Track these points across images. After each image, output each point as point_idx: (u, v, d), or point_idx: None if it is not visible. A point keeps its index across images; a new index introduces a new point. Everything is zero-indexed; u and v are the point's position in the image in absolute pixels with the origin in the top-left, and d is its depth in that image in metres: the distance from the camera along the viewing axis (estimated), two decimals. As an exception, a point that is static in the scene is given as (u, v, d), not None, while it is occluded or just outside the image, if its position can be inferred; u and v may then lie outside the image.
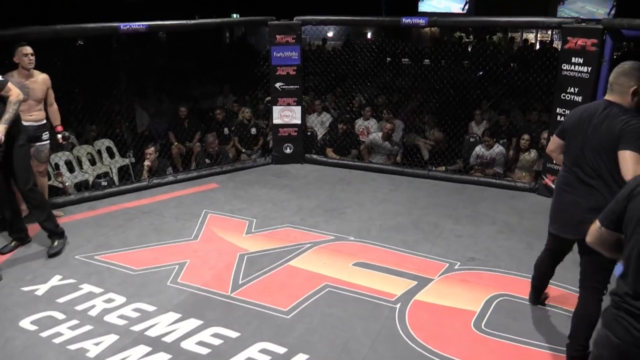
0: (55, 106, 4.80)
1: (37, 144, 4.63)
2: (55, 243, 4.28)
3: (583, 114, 2.83)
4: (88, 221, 4.92)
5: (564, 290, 3.67)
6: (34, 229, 4.64)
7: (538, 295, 3.48)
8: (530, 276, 3.50)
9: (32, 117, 4.55)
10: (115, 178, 6.62)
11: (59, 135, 4.82)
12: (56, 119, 4.82)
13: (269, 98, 6.74)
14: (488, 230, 4.68)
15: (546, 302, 3.51)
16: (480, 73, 8.85)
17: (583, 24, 5.03)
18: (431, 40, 14.60)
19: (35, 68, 4.58)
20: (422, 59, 9.50)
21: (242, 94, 8.66)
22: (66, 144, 5.04)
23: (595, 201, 2.70)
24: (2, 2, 9.04)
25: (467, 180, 5.88)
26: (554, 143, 3.07)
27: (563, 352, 3.00)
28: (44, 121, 4.69)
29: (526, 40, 15.03)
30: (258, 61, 7.03)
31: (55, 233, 4.32)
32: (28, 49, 4.48)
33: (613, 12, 11.95)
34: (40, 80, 4.59)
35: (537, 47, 14.49)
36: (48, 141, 4.76)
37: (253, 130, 7.17)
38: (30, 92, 4.49)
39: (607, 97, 2.76)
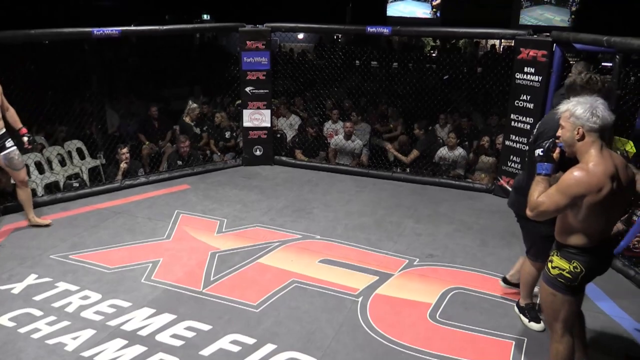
0: (12, 109, 4.66)
1: (2, 153, 4.55)
2: None
3: None
4: (62, 221, 5.03)
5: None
6: (8, 229, 4.76)
7: None
8: (484, 271, 3.89)
9: None
10: (86, 179, 6.70)
11: (25, 139, 4.70)
12: (16, 121, 4.68)
13: (239, 101, 6.93)
14: (446, 229, 4.98)
15: (495, 293, 3.82)
16: (446, 77, 9.22)
17: (535, 36, 5.38)
18: (399, 45, 14.97)
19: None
20: (390, 63, 9.83)
21: (213, 96, 8.84)
22: (32, 147, 4.82)
23: None
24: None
25: (428, 182, 6.18)
26: None
27: (507, 337, 3.36)
28: (3, 130, 4.57)
29: (493, 45, 15.52)
30: (229, 65, 7.22)
31: None
32: None
33: (570, 20, 12.49)
34: None
35: (502, 52, 15.00)
36: (14, 147, 4.63)
37: (227, 134, 7.36)
38: None
39: None
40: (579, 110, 2.41)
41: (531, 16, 12.82)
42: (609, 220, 2.52)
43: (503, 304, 3.73)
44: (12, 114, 4.69)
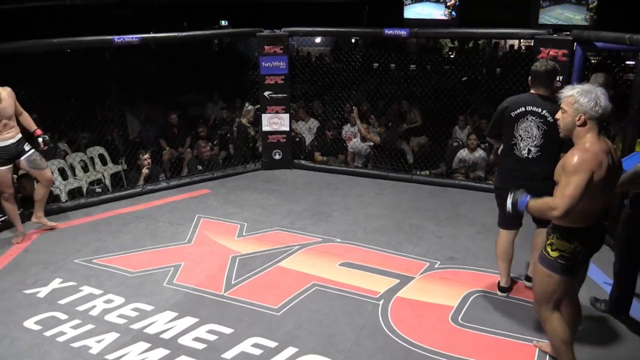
0: (25, 113, 4.74)
1: (23, 157, 4.64)
2: None
3: None
4: (85, 227, 5.11)
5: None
6: (33, 234, 4.85)
7: None
8: None
9: (9, 135, 4.54)
10: (109, 184, 6.81)
11: (40, 140, 4.74)
12: (31, 125, 4.77)
13: (258, 106, 6.97)
14: (467, 231, 4.94)
15: (517, 296, 3.77)
16: (464, 79, 9.15)
17: (554, 35, 5.31)
18: (417, 46, 14.90)
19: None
20: (408, 65, 9.79)
21: (231, 101, 8.90)
22: (48, 148, 4.92)
23: None
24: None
25: (448, 184, 6.14)
26: None
27: (530, 340, 3.30)
28: (20, 135, 4.66)
29: (512, 46, 15.37)
30: (247, 70, 7.27)
31: None
32: None
33: (588, 17, 12.29)
34: (6, 95, 4.50)
35: (523, 52, 14.84)
36: (32, 149, 4.73)
37: (251, 131, 7.38)
38: (0, 111, 4.45)
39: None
40: (583, 99, 2.53)
41: (551, 15, 12.62)
42: (605, 199, 2.61)
43: (526, 306, 3.67)
44: (25, 118, 4.77)
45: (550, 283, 2.70)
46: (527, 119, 3.42)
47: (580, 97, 2.53)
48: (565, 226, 2.62)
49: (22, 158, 4.67)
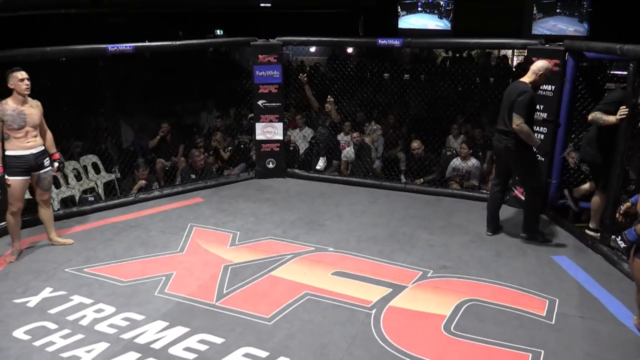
0: (49, 134, 4.68)
1: (40, 172, 4.53)
2: None
3: None
4: (77, 235, 5.07)
5: (526, 294, 3.93)
6: (24, 243, 4.81)
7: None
8: (498, 282, 4.02)
9: (31, 144, 4.43)
10: (102, 193, 6.77)
11: (55, 164, 4.68)
12: (52, 146, 4.70)
13: (252, 115, 6.98)
14: (460, 240, 4.94)
15: (510, 305, 3.77)
16: (460, 88, 9.18)
17: (547, 45, 5.35)
18: (410, 56, 14.98)
19: None
20: (402, 74, 9.83)
21: (225, 109, 8.89)
22: (59, 171, 4.93)
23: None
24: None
25: (442, 193, 6.14)
26: None
27: (523, 349, 3.30)
28: (42, 147, 4.56)
29: (505, 56, 15.48)
30: (241, 79, 7.28)
31: None
32: (24, 74, 4.32)
33: (583, 29, 12.42)
34: (35, 105, 4.47)
35: (515, 62, 14.94)
36: (50, 167, 4.63)
37: (225, 152, 7.37)
38: (27, 118, 4.36)
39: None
40: None
41: (544, 27, 12.75)
42: None
43: (519, 315, 3.67)
44: (48, 138, 4.68)
45: None
46: None
47: None
48: None
49: (39, 172, 4.54)
